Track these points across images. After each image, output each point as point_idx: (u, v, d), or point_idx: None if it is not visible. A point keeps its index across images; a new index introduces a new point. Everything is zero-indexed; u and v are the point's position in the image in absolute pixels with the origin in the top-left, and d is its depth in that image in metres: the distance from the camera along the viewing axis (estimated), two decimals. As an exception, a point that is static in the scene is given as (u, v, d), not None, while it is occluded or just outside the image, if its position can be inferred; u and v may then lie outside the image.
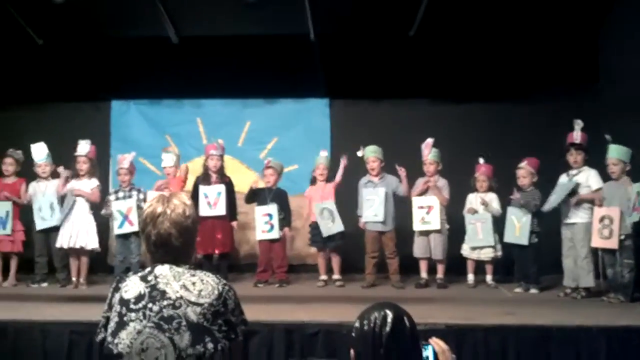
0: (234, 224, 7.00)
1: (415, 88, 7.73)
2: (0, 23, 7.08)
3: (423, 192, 6.75)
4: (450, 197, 6.77)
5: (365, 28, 7.39)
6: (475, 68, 7.59)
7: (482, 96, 7.69)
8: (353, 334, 2.21)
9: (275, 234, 6.81)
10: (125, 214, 6.68)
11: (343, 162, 6.88)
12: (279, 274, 6.85)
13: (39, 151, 6.89)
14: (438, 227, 6.61)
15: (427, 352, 2.22)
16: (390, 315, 2.20)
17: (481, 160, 6.75)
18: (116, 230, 6.77)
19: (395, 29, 7.42)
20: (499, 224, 6.61)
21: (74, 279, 6.69)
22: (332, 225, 6.79)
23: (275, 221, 6.79)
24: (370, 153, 6.81)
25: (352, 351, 2.20)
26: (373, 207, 6.73)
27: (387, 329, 2.16)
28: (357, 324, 2.22)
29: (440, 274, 6.72)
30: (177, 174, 7.01)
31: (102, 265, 7.39)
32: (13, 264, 6.89)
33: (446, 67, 7.59)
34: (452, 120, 7.63)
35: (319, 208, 6.82)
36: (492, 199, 6.66)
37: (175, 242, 2.35)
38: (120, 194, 6.83)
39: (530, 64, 7.52)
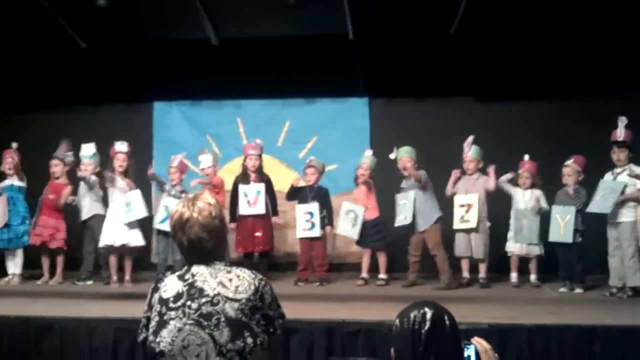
0: (276, 218, 7.03)
1: (457, 86, 7.64)
2: (45, 27, 7.23)
3: (456, 181, 6.66)
4: (494, 194, 6.67)
5: (405, 26, 7.32)
6: (518, 65, 7.45)
7: (525, 94, 7.56)
8: (393, 333, 2.20)
9: (316, 232, 6.82)
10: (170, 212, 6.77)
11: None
12: (320, 272, 6.86)
13: (87, 150, 7.03)
14: (474, 225, 6.53)
15: (469, 352, 2.19)
16: (429, 313, 2.18)
17: (526, 157, 6.66)
18: (156, 224, 6.87)
19: (435, 27, 7.33)
20: (542, 222, 6.51)
21: (114, 277, 6.80)
22: (349, 229, 6.81)
23: (317, 219, 6.81)
24: (405, 154, 6.74)
25: (392, 350, 2.19)
26: (404, 211, 6.71)
27: (426, 327, 2.14)
28: (396, 322, 2.21)
29: (482, 273, 6.63)
30: (215, 173, 7.08)
31: (145, 263, 7.49)
32: (59, 261, 7.06)
33: (488, 65, 7.48)
34: (495, 118, 7.53)
35: (348, 207, 6.82)
36: (539, 196, 6.58)
37: (207, 245, 2.37)
38: (173, 192, 6.93)
39: (575, 61, 7.35)
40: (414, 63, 7.57)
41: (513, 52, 7.44)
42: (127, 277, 6.82)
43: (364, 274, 6.90)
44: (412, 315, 2.18)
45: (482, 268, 6.64)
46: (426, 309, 2.19)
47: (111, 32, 7.43)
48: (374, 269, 6.97)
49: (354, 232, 6.83)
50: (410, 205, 6.64)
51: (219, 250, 2.43)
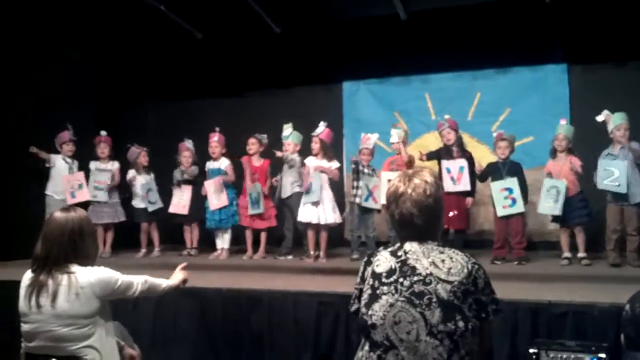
0: (469, 200, 6.83)
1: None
2: (241, 14, 7.61)
3: None
4: None
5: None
6: None
7: None
8: (623, 318, 2.05)
9: (520, 208, 6.50)
10: (370, 190, 6.89)
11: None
12: (517, 250, 6.58)
13: (286, 130, 7.31)
14: None
15: None
16: (665, 298, 1.99)
17: None
18: (363, 202, 6.95)
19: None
20: None
21: (311, 252, 7.04)
22: (551, 206, 6.35)
23: (518, 194, 6.49)
24: (624, 120, 6.16)
25: (622, 336, 2.04)
26: (613, 176, 6.11)
27: (662, 313, 1.97)
28: (627, 308, 2.05)
29: None
30: (403, 150, 7.07)
31: (338, 239, 7.69)
32: (263, 238, 7.48)
33: None
34: None
35: (550, 183, 6.40)
36: None
37: (417, 221, 2.37)
38: (366, 170, 7.03)
39: None
40: (616, 24, 6.92)
41: None
42: (322, 253, 7.02)
43: (567, 253, 6.48)
44: (646, 300, 2.01)
45: None
46: (662, 294, 2.00)
47: (302, 15, 7.65)
48: (575, 246, 6.53)
49: (555, 209, 6.38)
50: (622, 174, 6.05)
51: (431, 229, 2.42)
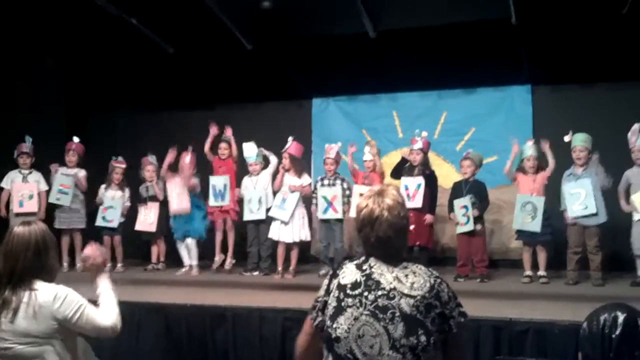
0: (428, 217, 6.84)
1: (631, 70, 7.06)
2: (213, 30, 7.63)
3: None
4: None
5: (572, 7, 6.89)
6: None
7: None
8: (580, 336, 2.10)
9: (470, 227, 6.62)
10: (330, 201, 6.93)
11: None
12: (480, 268, 6.67)
13: (250, 151, 7.33)
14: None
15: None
16: (621, 317, 2.06)
17: None
18: (320, 215, 7.03)
19: (606, 7, 6.83)
20: None
21: (279, 268, 7.02)
22: (529, 222, 6.44)
23: (471, 213, 6.61)
24: (580, 142, 6.35)
25: (580, 354, 2.09)
26: (580, 200, 6.26)
27: (618, 331, 2.03)
28: (584, 325, 2.10)
29: None
30: (376, 167, 7.13)
31: (305, 256, 7.67)
32: (231, 240, 7.42)
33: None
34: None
35: (524, 200, 6.51)
36: None
37: (395, 244, 2.38)
38: (325, 182, 7.08)
39: None
40: (582, 47, 7.11)
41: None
42: (291, 268, 7.02)
43: (528, 271, 6.60)
44: (602, 318, 2.07)
45: None
46: (618, 313, 2.07)
47: (274, 32, 7.69)
48: (536, 265, 6.64)
49: (534, 226, 6.43)
50: (589, 194, 6.20)
51: (402, 248, 2.44)
